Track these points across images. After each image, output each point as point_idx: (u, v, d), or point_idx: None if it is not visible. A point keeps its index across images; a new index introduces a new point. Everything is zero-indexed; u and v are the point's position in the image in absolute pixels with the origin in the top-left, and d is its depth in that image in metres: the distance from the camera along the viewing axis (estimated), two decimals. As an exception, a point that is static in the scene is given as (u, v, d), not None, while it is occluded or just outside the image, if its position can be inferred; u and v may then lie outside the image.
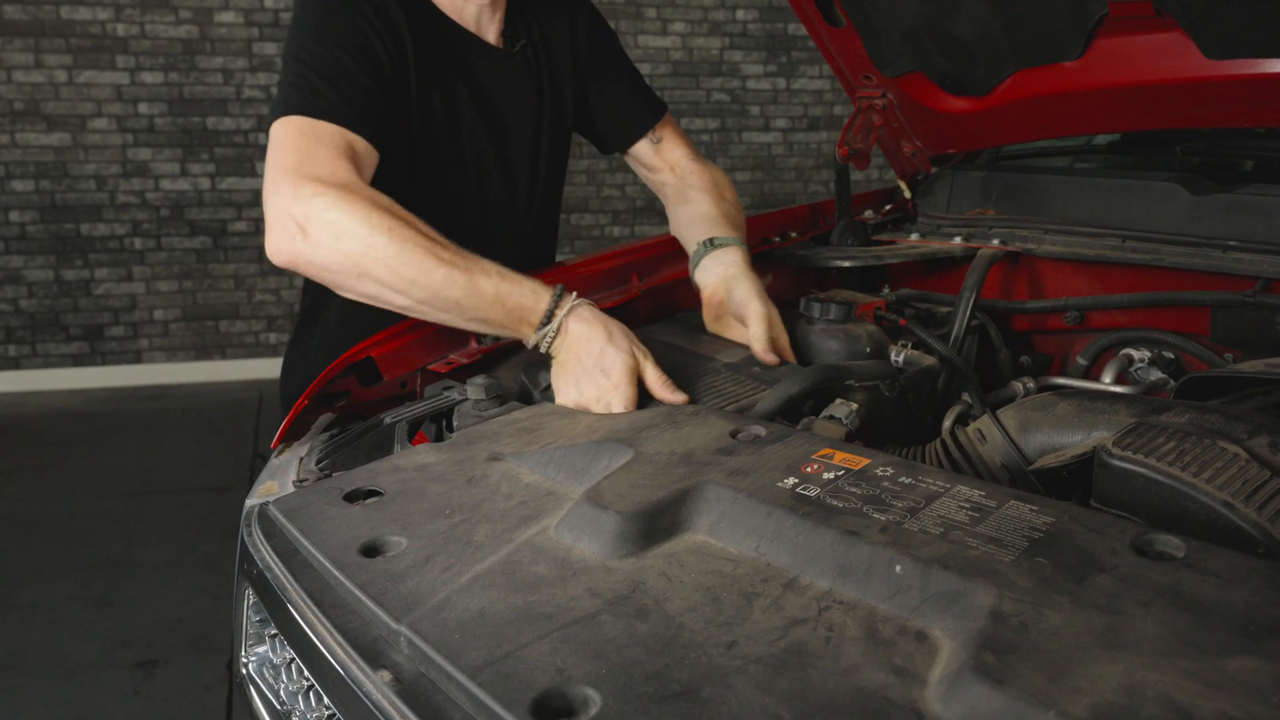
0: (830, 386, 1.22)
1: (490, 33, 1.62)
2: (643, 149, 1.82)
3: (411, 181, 1.55)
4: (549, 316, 1.25)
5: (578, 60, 1.75)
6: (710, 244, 1.56)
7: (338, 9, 1.44)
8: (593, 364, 1.21)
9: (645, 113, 1.82)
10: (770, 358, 1.36)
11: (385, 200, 1.27)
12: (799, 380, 1.17)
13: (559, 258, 1.90)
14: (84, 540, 3.80)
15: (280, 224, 1.25)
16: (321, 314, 1.73)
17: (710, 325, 1.53)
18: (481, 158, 1.64)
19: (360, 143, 1.36)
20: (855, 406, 1.20)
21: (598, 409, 1.18)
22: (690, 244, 1.61)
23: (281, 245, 1.25)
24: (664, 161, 1.83)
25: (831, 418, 1.18)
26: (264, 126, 1.38)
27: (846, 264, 1.82)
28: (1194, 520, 0.81)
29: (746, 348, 1.40)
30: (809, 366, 1.23)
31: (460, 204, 1.62)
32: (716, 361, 1.36)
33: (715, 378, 1.30)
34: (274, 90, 1.47)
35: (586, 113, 1.81)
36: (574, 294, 1.28)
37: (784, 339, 1.43)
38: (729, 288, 1.49)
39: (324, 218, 1.23)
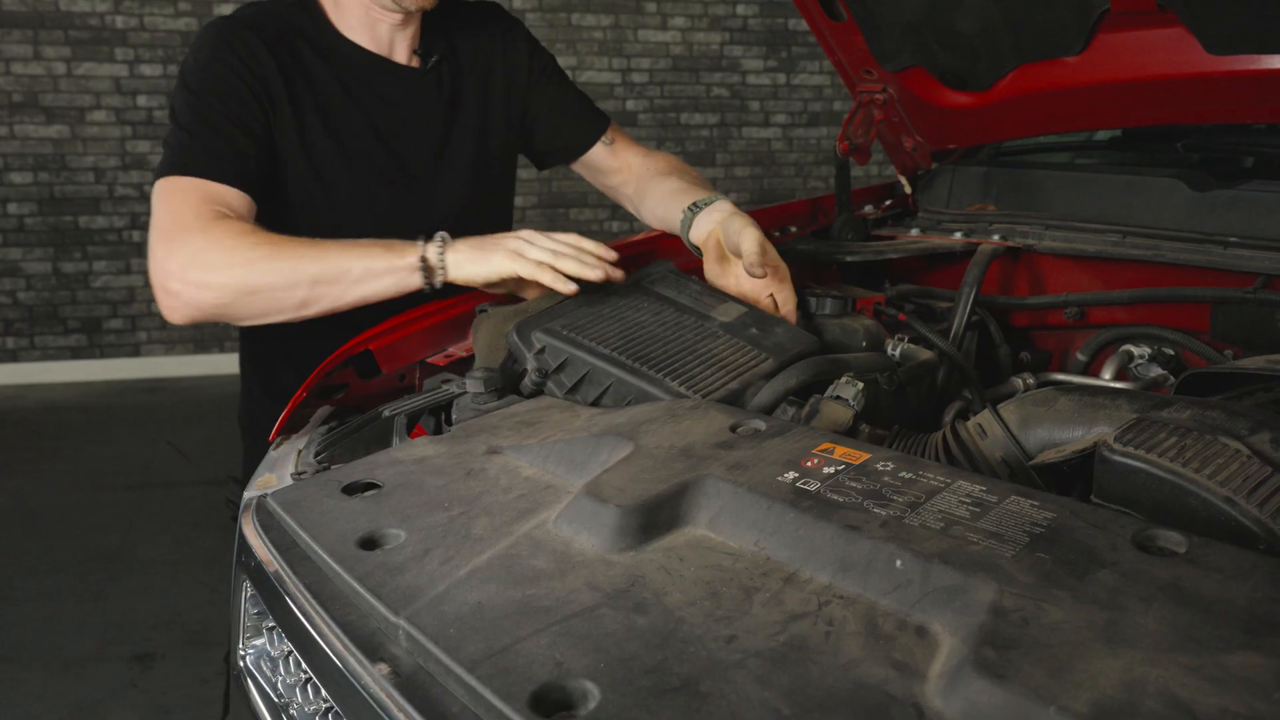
0: (828, 379, 1.21)
1: (401, 52, 1.67)
2: (598, 154, 1.85)
3: (307, 217, 1.60)
4: (429, 237, 1.33)
5: (515, 81, 1.78)
6: (695, 206, 1.56)
7: (209, 65, 1.52)
8: (487, 242, 1.33)
9: (597, 119, 1.86)
10: (758, 271, 1.37)
11: (246, 225, 1.38)
12: (795, 373, 1.16)
13: None
14: (82, 533, 3.80)
15: (159, 293, 1.36)
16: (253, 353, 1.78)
17: (712, 274, 1.50)
18: (380, 178, 1.66)
19: (230, 193, 1.44)
20: (862, 386, 1.19)
21: (511, 263, 1.29)
22: (675, 217, 1.60)
23: (170, 309, 1.36)
24: (620, 162, 1.85)
25: (838, 398, 1.17)
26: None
27: (849, 259, 1.82)
28: (1195, 516, 0.81)
29: (739, 302, 1.39)
30: (806, 359, 1.22)
31: (365, 230, 1.56)
32: (712, 321, 1.33)
33: (713, 343, 1.27)
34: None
35: (528, 131, 1.84)
36: None
37: (776, 257, 1.44)
38: (724, 228, 1.48)
39: (195, 262, 1.33)
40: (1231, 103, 1.56)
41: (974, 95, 1.80)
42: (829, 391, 1.18)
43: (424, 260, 1.32)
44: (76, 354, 6.00)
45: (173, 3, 5.77)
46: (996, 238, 1.78)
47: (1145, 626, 0.62)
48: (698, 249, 1.55)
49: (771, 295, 1.44)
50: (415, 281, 1.33)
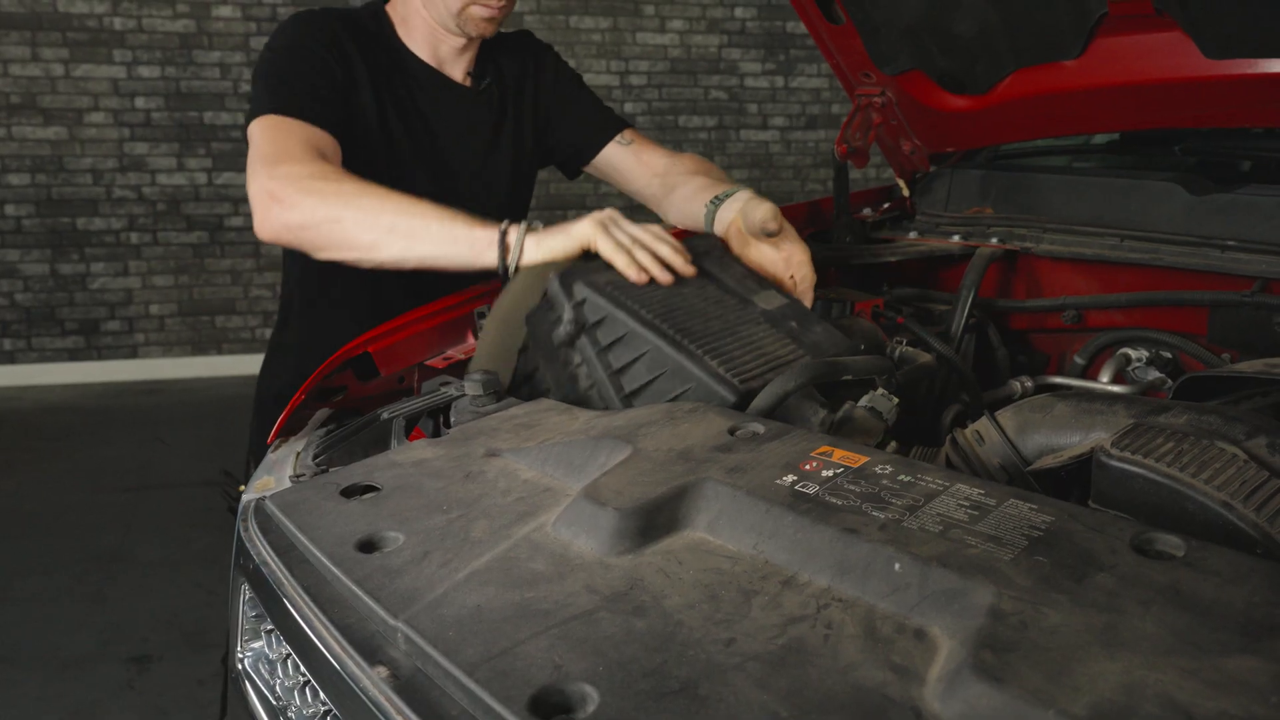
0: (826, 381, 1.21)
1: (457, 72, 1.78)
2: (615, 152, 1.88)
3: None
4: (507, 227, 1.35)
5: (541, 101, 1.87)
6: (718, 199, 1.58)
7: (298, 39, 1.63)
8: (566, 223, 1.36)
9: (612, 120, 1.91)
10: (772, 226, 1.41)
11: (341, 169, 1.47)
12: (794, 376, 1.16)
13: None
14: (79, 534, 3.80)
15: (259, 200, 1.42)
16: (290, 318, 1.86)
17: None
18: (430, 181, 1.72)
19: (325, 137, 1.51)
20: (896, 402, 1.18)
21: (594, 234, 1.31)
22: (698, 213, 1.62)
23: (266, 218, 1.42)
24: (641, 164, 1.87)
25: (872, 410, 1.17)
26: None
27: (849, 263, 1.83)
28: (1193, 520, 0.81)
29: (780, 291, 1.38)
30: (804, 362, 1.21)
31: None
32: (754, 307, 1.32)
33: (754, 329, 1.26)
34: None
35: (550, 136, 1.90)
36: None
37: (793, 232, 1.47)
38: (743, 212, 1.50)
39: (295, 184, 1.39)
40: (1229, 106, 1.56)
41: (972, 98, 1.80)
42: (862, 400, 1.18)
43: (504, 238, 1.33)
44: (74, 356, 5.99)
45: (171, 4, 5.77)
46: (994, 241, 1.79)
47: (1143, 630, 0.62)
48: (721, 241, 1.55)
49: (791, 276, 1.46)
50: (489, 258, 1.34)
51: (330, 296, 1.80)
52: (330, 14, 1.67)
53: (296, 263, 1.80)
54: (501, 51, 1.85)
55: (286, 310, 1.88)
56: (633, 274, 1.28)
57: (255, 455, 1.83)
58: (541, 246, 1.33)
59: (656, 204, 1.85)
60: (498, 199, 1.83)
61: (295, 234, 1.41)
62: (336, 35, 1.64)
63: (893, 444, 1.15)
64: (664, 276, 1.30)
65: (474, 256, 1.35)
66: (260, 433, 1.83)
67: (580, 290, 1.23)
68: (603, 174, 1.94)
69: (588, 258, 1.33)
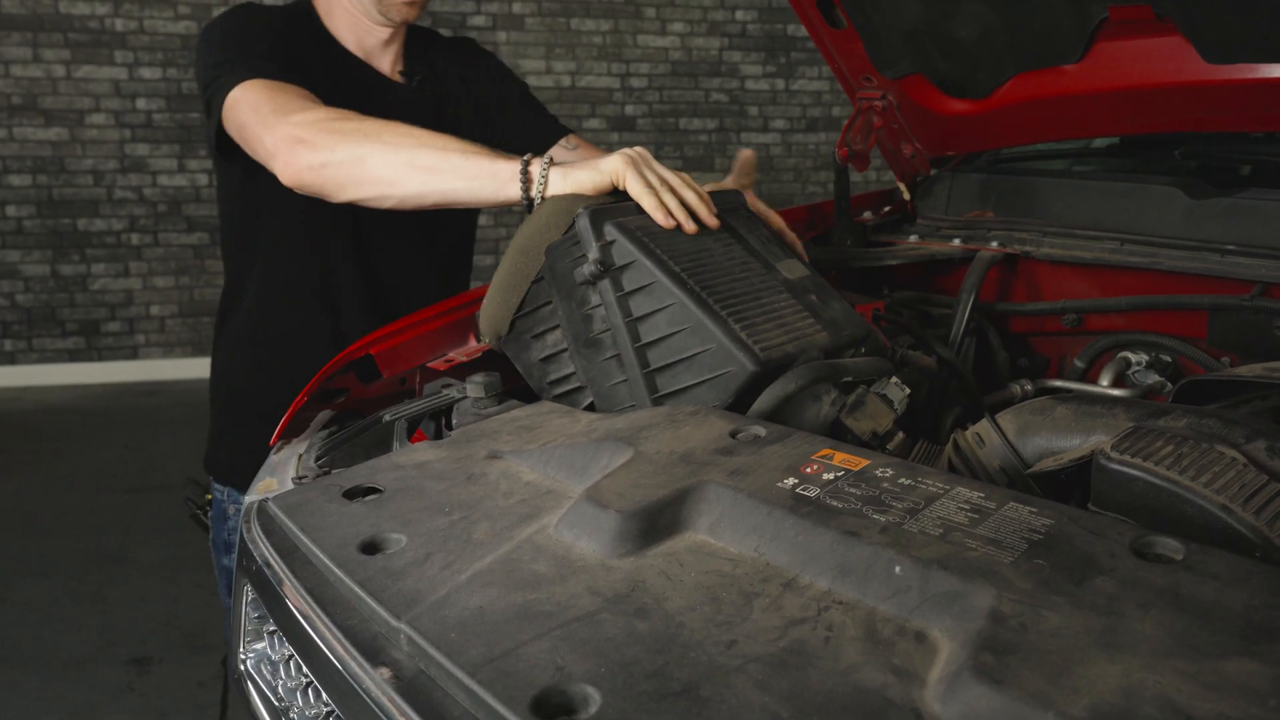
0: (828, 382, 1.21)
1: (385, 65, 1.77)
2: (560, 155, 1.86)
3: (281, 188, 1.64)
4: (529, 159, 1.33)
5: (481, 100, 1.86)
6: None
7: (240, 23, 1.62)
8: (595, 157, 1.35)
9: (556, 127, 1.91)
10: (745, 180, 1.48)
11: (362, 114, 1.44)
12: (794, 379, 1.15)
13: None
14: (79, 536, 3.80)
15: (283, 146, 1.41)
16: (230, 318, 1.84)
17: None
18: None
19: (306, 92, 1.50)
20: (908, 392, 1.17)
21: (624, 170, 1.28)
22: None
23: (290, 161, 1.40)
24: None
25: (884, 397, 1.16)
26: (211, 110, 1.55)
27: (850, 266, 1.83)
28: (1192, 524, 0.81)
29: (802, 262, 1.37)
30: (805, 364, 1.21)
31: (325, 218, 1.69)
32: (777, 274, 1.30)
33: (775, 297, 1.24)
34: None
35: (494, 139, 1.85)
36: None
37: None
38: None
39: (318, 126, 1.39)
40: (1229, 111, 1.56)
41: (973, 102, 1.81)
42: (875, 387, 1.18)
43: (525, 172, 1.31)
44: (74, 356, 6.00)
45: (172, 6, 5.78)
46: (995, 244, 1.79)
47: (1143, 633, 0.63)
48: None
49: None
50: (511, 190, 1.32)
51: (286, 284, 1.77)
52: (263, 7, 1.67)
53: (243, 249, 1.78)
54: (436, 51, 1.85)
55: (234, 300, 1.83)
56: (659, 216, 1.26)
57: (215, 462, 1.83)
58: (568, 179, 1.30)
59: None
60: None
61: (319, 174, 1.39)
62: (275, 24, 1.64)
63: (900, 435, 1.15)
64: (689, 224, 1.27)
65: (496, 190, 1.33)
66: (224, 435, 1.83)
67: (610, 231, 1.20)
68: None
69: (614, 196, 1.31)
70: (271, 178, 1.52)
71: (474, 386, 1.22)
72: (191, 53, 5.77)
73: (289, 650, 0.92)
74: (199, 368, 6.01)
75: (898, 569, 0.72)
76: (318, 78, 1.60)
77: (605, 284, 1.20)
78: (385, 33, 1.73)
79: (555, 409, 1.17)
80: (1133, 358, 1.60)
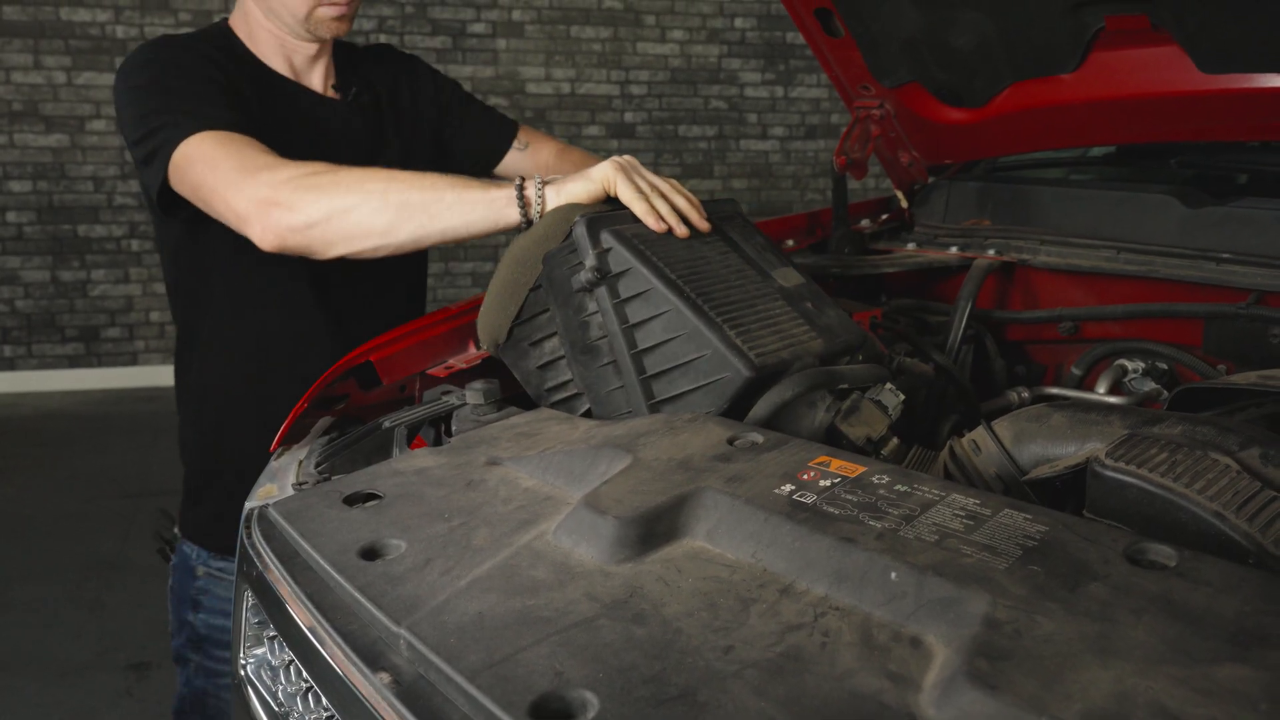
0: (824, 389, 1.21)
1: (316, 81, 1.70)
2: (514, 159, 1.88)
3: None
4: (523, 182, 1.32)
5: (425, 114, 1.82)
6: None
7: (176, 61, 1.53)
8: (585, 168, 1.34)
9: (505, 126, 1.90)
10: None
11: (318, 163, 1.39)
12: (791, 386, 1.16)
13: None
14: (78, 541, 3.80)
15: (256, 211, 1.34)
16: (188, 374, 1.72)
17: None
18: None
19: (258, 143, 1.42)
20: (903, 398, 1.18)
21: (615, 177, 1.28)
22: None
23: (269, 226, 1.34)
24: (537, 163, 1.87)
25: (879, 403, 1.17)
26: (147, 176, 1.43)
27: (847, 273, 1.84)
28: (1185, 530, 0.82)
29: (796, 270, 1.38)
30: (802, 371, 1.22)
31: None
32: (772, 281, 1.31)
33: (771, 305, 1.25)
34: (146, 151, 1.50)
35: (449, 153, 1.87)
36: None
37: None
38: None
39: (291, 185, 1.33)
40: (1224, 120, 1.57)
41: (970, 111, 1.82)
42: (870, 393, 1.19)
43: (521, 193, 1.31)
44: (74, 362, 6.00)
45: (173, 13, 5.79)
46: (992, 252, 1.80)
47: (1136, 638, 0.63)
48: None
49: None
50: (510, 216, 1.31)
51: (244, 338, 1.66)
52: (181, 38, 1.60)
53: (192, 307, 1.67)
54: (363, 63, 1.79)
55: (189, 357, 1.71)
56: (651, 221, 1.27)
57: (188, 523, 1.75)
58: (562, 193, 1.31)
59: None
60: None
61: (303, 235, 1.34)
62: (202, 53, 1.55)
63: (894, 441, 1.16)
64: (680, 228, 1.28)
65: (494, 218, 1.32)
66: (199, 493, 1.73)
67: (606, 239, 1.22)
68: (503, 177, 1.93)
69: (608, 204, 1.32)
70: (218, 233, 1.45)
71: (473, 393, 1.22)
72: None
73: (289, 655, 0.93)
74: (198, 374, 6.02)
75: (893, 575, 0.73)
76: (252, 104, 1.55)
77: (602, 291, 1.21)
78: (313, 48, 1.66)
79: (554, 416, 1.18)
80: (1129, 365, 1.60)
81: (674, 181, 1.35)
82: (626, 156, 1.35)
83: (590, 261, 1.21)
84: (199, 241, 1.58)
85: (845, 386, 1.19)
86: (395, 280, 1.79)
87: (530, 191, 1.31)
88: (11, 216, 5.77)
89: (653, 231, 1.27)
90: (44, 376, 5.93)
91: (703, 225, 1.32)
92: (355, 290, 1.70)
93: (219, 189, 1.38)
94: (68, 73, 5.71)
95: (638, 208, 1.28)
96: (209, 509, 1.69)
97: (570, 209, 1.29)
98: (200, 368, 1.68)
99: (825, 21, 1.79)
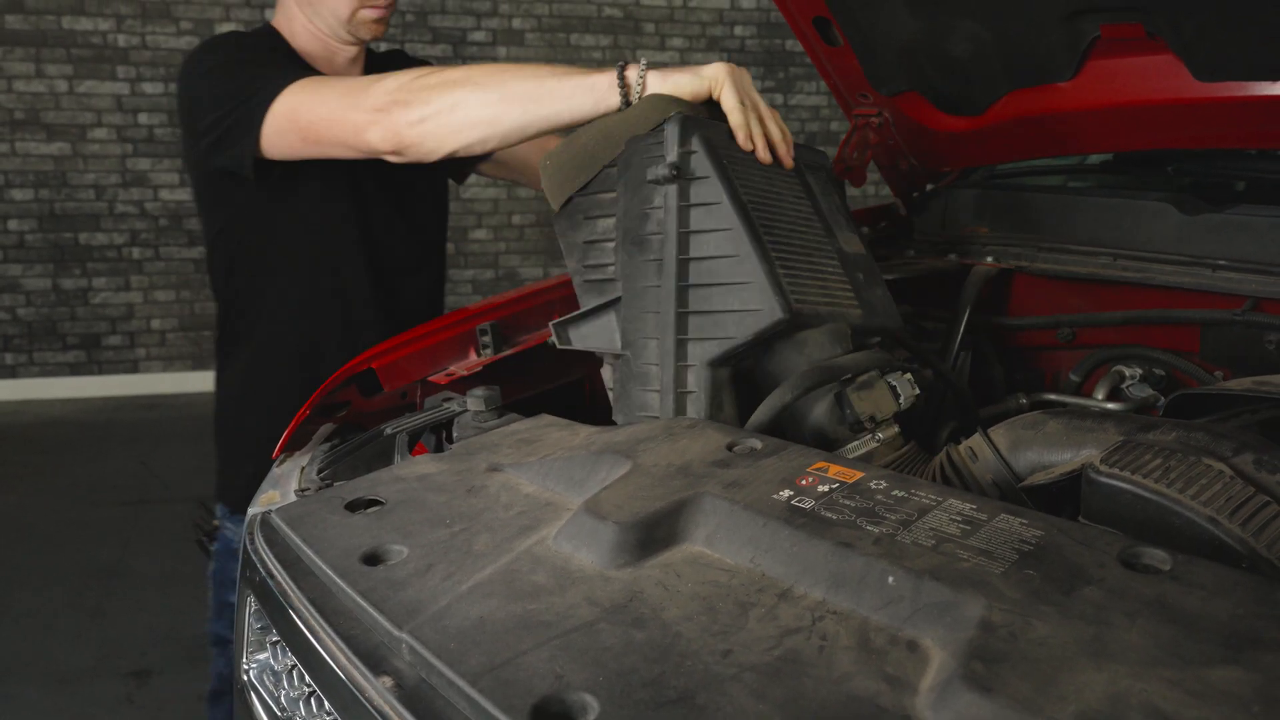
0: (825, 384, 1.19)
1: None
2: (513, 149, 1.90)
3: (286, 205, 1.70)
4: (625, 65, 1.33)
5: None
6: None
7: (240, 47, 1.64)
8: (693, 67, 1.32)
9: None
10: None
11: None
12: (790, 389, 1.15)
13: (554, 272, 1.96)
14: (79, 548, 3.80)
15: (378, 115, 1.41)
16: (239, 344, 1.82)
17: None
18: (359, 190, 1.74)
19: None
20: (919, 393, 1.19)
21: (723, 81, 1.28)
22: None
23: (389, 124, 1.41)
24: (543, 146, 1.86)
25: (893, 387, 1.17)
26: (231, 150, 1.51)
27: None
28: (1180, 535, 0.83)
29: (861, 240, 1.37)
30: (804, 371, 1.20)
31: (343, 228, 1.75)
32: (834, 241, 1.30)
33: (826, 262, 1.24)
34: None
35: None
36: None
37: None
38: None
39: (406, 89, 1.40)
40: (1219, 128, 1.58)
41: (967, 119, 1.83)
42: (889, 377, 1.19)
43: (623, 78, 1.31)
44: (75, 370, 6.00)
45: (175, 22, 5.81)
46: (989, 259, 1.81)
47: (1130, 641, 0.64)
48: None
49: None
50: (612, 100, 1.32)
51: (300, 305, 1.77)
52: (242, 33, 1.70)
53: (254, 276, 1.77)
54: (384, 66, 1.80)
55: (239, 327, 1.82)
56: (741, 136, 1.27)
57: (229, 489, 1.82)
58: (666, 82, 1.31)
59: None
60: (438, 209, 1.88)
61: (418, 129, 1.40)
62: (266, 42, 1.66)
63: (896, 428, 1.16)
64: (765, 154, 1.28)
65: (595, 103, 1.33)
66: (238, 461, 1.82)
67: (696, 142, 1.21)
68: (507, 170, 1.97)
69: (706, 108, 1.32)
70: (296, 197, 1.56)
71: (474, 400, 1.23)
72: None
73: (292, 660, 0.93)
74: (199, 382, 6.02)
75: (891, 579, 0.73)
76: None
77: (672, 189, 1.20)
78: (353, 51, 1.75)
79: (554, 422, 1.19)
80: (1127, 371, 1.61)
81: (775, 112, 1.34)
82: (742, 68, 1.34)
83: (672, 158, 1.20)
84: (272, 210, 1.67)
85: (849, 377, 1.19)
86: (431, 243, 1.92)
87: (632, 75, 1.31)
88: (13, 224, 5.78)
89: (739, 151, 1.26)
90: (45, 384, 5.94)
91: (787, 161, 1.32)
92: (403, 258, 1.82)
93: (334, 114, 1.46)
94: (69, 81, 5.72)
95: (735, 118, 1.28)
96: (257, 471, 1.75)
97: (668, 101, 1.28)
98: (258, 335, 1.77)
99: (823, 30, 1.80)
